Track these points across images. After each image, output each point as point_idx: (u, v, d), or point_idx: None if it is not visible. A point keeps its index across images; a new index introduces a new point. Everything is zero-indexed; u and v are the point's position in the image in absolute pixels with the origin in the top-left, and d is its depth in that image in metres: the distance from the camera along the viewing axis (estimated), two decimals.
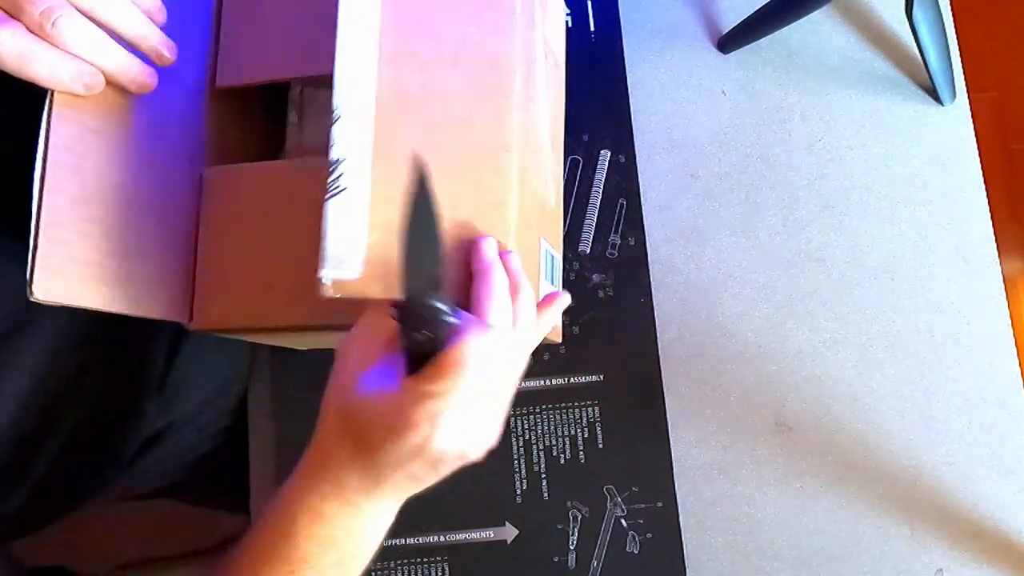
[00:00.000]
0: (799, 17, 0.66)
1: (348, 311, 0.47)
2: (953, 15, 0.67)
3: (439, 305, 0.36)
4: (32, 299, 0.41)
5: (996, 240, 0.65)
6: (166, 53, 0.45)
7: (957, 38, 0.67)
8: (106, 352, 0.55)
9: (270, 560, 0.40)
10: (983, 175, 0.66)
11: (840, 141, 0.67)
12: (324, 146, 0.56)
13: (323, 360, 0.61)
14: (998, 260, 0.65)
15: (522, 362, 0.41)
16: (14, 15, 0.38)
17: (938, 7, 0.64)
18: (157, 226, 0.49)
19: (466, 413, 0.37)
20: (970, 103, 0.68)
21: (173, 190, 0.50)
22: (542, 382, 0.62)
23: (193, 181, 0.51)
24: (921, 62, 0.65)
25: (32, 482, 0.51)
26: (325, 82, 0.57)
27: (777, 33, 0.68)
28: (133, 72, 0.44)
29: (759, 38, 0.68)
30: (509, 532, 0.60)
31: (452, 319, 0.36)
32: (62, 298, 0.43)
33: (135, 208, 0.48)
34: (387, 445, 0.37)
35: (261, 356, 0.64)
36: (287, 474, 0.61)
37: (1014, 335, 0.64)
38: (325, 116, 0.57)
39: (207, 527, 0.94)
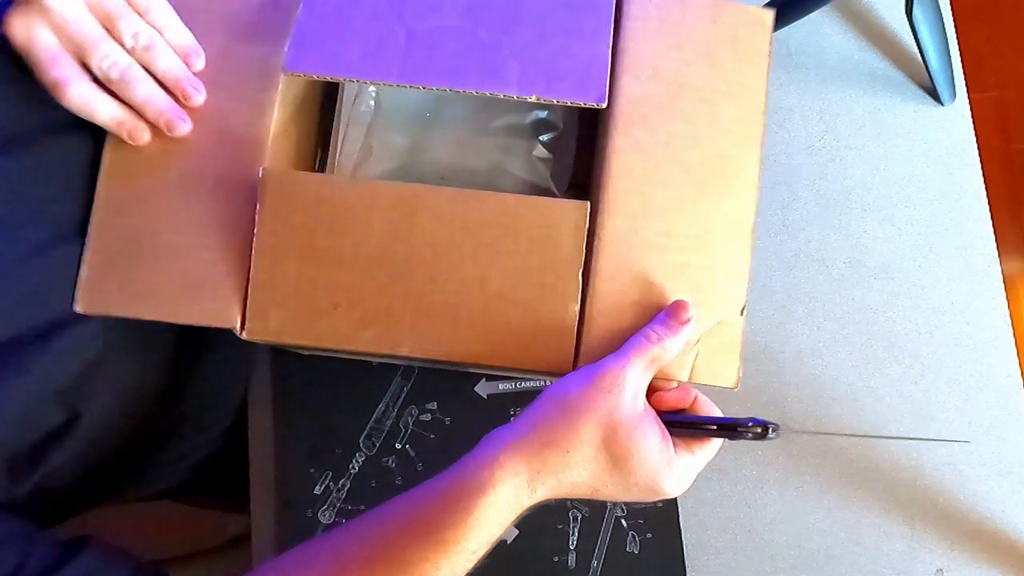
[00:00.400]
0: (799, 17, 0.67)
1: (424, 345, 0.49)
2: (953, 15, 0.67)
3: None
4: (77, 310, 0.47)
5: (996, 240, 0.65)
6: (193, 94, 0.49)
7: (957, 38, 0.68)
8: (118, 352, 0.55)
9: (444, 538, 0.42)
10: (983, 175, 0.66)
11: (840, 141, 0.67)
12: (397, 171, 0.59)
13: (324, 360, 0.61)
14: (998, 260, 0.65)
15: None
16: (83, 60, 0.46)
17: (938, 7, 0.64)
18: (209, 230, 0.49)
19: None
20: (970, 103, 0.68)
21: (227, 191, 0.50)
22: (543, 382, 0.62)
23: (249, 183, 0.50)
24: (921, 62, 0.65)
25: (43, 473, 0.51)
26: (396, 103, 0.59)
27: (777, 33, 0.68)
28: (165, 115, 0.48)
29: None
30: (509, 532, 0.60)
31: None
32: (107, 308, 0.47)
33: (186, 213, 0.49)
34: (643, 481, 0.45)
35: (261, 356, 0.64)
36: (286, 474, 0.61)
37: (1014, 335, 0.64)
38: (395, 136, 0.59)
39: (211, 528, 0.94)
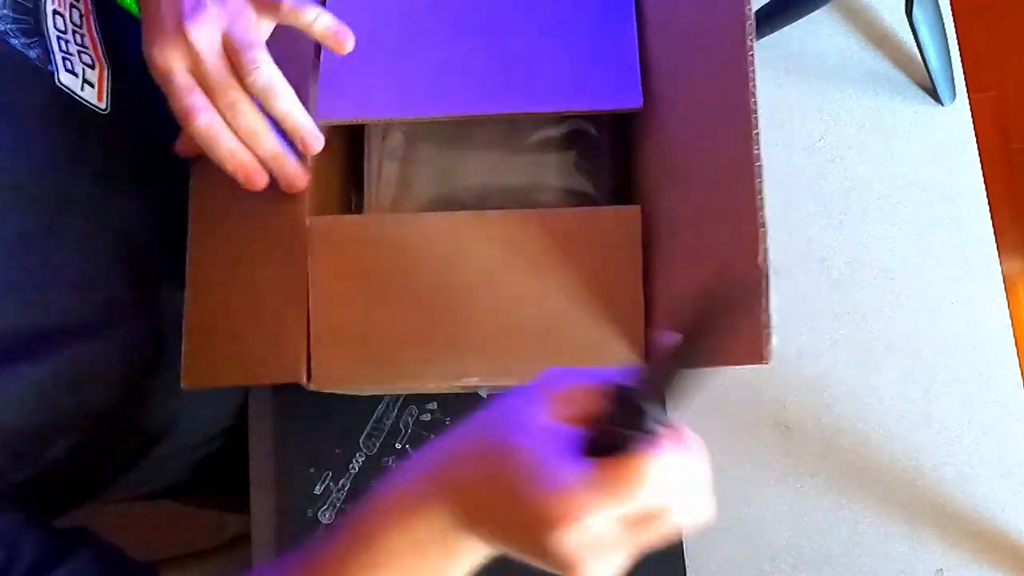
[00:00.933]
0: (799, 17, 0.67)
1: (492, 372, 0.47)
2: (953, 15, 0.67)
3: (657, 414, 0.33)
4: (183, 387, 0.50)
5: (996, 240, 0.65)
6: (314, 144, 0.49)
7: (957, 38, 0.67)
8: (115, 351, 0.55)
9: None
10: (983, 175, 0.66)
11: (840, 141, 0.67)
12: (436, 199, 0.58)
13: None
14: (998, 260, 0.65)
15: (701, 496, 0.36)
16: (209, 96, 0.46)
17: (938, 7, 0.64)
18: (267, 286, 0.49)
19: (620, 539, 0.34)
20: (970, 103, 0.68)
21: (276, 245, 0.50)
22: None
23: (295, 233, 0.50)
24: (921, 62, 0.65)
25: (42, 462, 0.51)
26: (427, 132, 0.58)
27: (777, 33, 0.68)
28: (289, 172, 0.49)
29: (759, 38, 0.68)
30: None
31: (655, 429, 0.33)
32: (205, 382, 0.49)
33: (247, 273, 0.49)
34: (531, 510, 0.34)
35: None
36: (286, 474, 0.61)
37: (1014, 335, 0.64)
38: (430, 167, 0.59)
39: (210, 528, 0.94)
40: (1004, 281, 0.65)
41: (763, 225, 0.40)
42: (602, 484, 0.33)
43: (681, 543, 0.60)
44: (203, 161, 0.50)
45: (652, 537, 0.35)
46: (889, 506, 0.61)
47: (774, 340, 0.39)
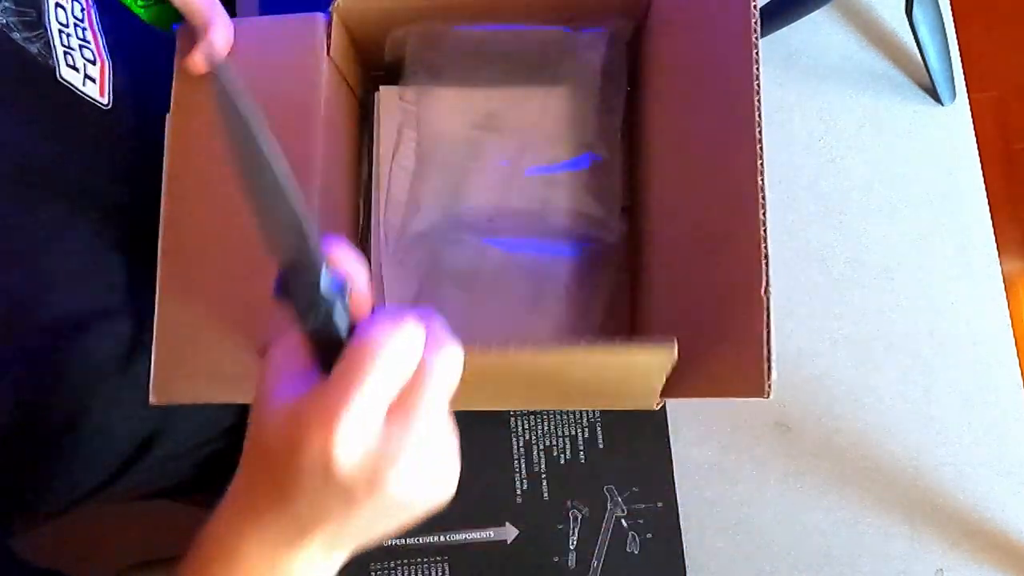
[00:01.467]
0: (799, 17, 0.66)
1: (503, 404, 0.49)
2: (953, 15, 0.67)
3: (314, 273, 0.29)
4: (152, 402, 0.47)
5: (996, 240, 0.65)
6: None
7: (957, 38, 0.67)
8: (111, 347, 0.55)
9: None
10: (983, 175, 0.66)
11: (840, 141, 0.67)
12: (445, 220, 0.59)
13: None
14: (998, 260, 0.65)
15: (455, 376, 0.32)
16: None
17: (938, 7, 0.64)
18: (263, 302, 0.48)
19: (376, 425, 0.30)
20: (970, 103, 0.68)
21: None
22: None
23: None
24: (921, 62, 0.65)
25: (35, 464, 0.51)
26: (437, 151, 0.59)
27: (777, 33, 0.68)
28: None
29: (759, 38, 0.68)
30: (509, 532, 0.60)
31: (331, 289, 0.30)
32: (178, 398, 0.48)
33: (243, 286, 0.47)
34: (291, 465, 0.31)
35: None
36: None
37: (1014, 335, 0.64)
38: (438, 187, 0.59)
39: None
40: (1004, 281, 0.65)
41: (766, 256, 0.40)
42: (328, 386, 0.30)
43: (681, 543, 0.60)
44: (180, 155, 0.49)
45: (438, 414, 0.32)
46: (889, 506, 0.61)
47: (775, 374, 0.38)
